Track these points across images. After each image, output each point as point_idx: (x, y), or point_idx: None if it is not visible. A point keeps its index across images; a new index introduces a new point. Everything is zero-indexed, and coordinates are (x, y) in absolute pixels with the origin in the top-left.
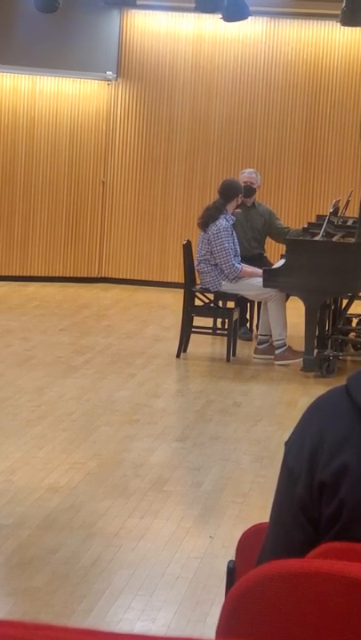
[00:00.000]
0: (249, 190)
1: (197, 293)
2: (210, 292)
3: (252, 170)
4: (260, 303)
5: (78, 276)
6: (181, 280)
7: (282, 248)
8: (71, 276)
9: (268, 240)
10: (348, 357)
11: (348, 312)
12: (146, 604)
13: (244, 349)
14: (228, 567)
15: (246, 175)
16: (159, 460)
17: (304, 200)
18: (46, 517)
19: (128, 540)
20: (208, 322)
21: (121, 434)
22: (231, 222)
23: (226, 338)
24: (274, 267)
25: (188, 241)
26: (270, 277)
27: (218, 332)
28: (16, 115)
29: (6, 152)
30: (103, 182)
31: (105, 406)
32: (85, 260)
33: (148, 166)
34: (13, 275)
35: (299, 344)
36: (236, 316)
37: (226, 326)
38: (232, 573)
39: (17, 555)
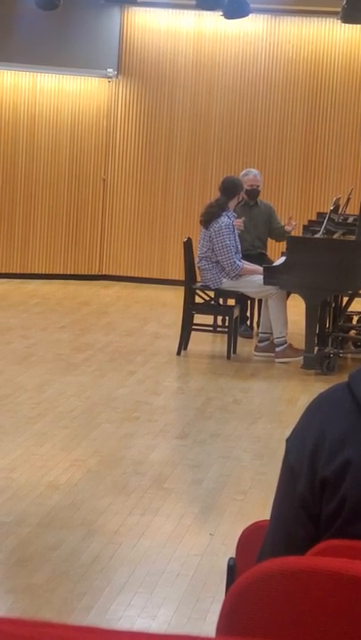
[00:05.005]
0: (254, 193)
1: (198, 291)
2: (210, 289)
3: (255, 172)
4: (260, 301)
5: (79, 273)
6: (182, 277)
7: (282, 245)
8: (72, 273)
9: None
10: (349, 355)
11: (349, 309)
12: (146, 601)
13: (245, 347)
14: (229, 565)
15: (251, 178)
16: (159, 458)
17: (305, 197)
18: (46, 515)
19: (128, 538)
20: (208, 319)
21: (121, 431)
22: (233, 219)
23: (226, 335)
24: (274, 264)
25: (188, 238)
26: (271, 275)
27: (218, 329)
28: (17, 112)
29: (7, 149)
30: (104, 180)
31: (105, 404)
32: (86, 257)
33: (148, 164)
34: (14, 272)
35: (299, 342)
36: (236, 313)
37: (226, 324)
38: (232, 571)
39: (17, 552)
